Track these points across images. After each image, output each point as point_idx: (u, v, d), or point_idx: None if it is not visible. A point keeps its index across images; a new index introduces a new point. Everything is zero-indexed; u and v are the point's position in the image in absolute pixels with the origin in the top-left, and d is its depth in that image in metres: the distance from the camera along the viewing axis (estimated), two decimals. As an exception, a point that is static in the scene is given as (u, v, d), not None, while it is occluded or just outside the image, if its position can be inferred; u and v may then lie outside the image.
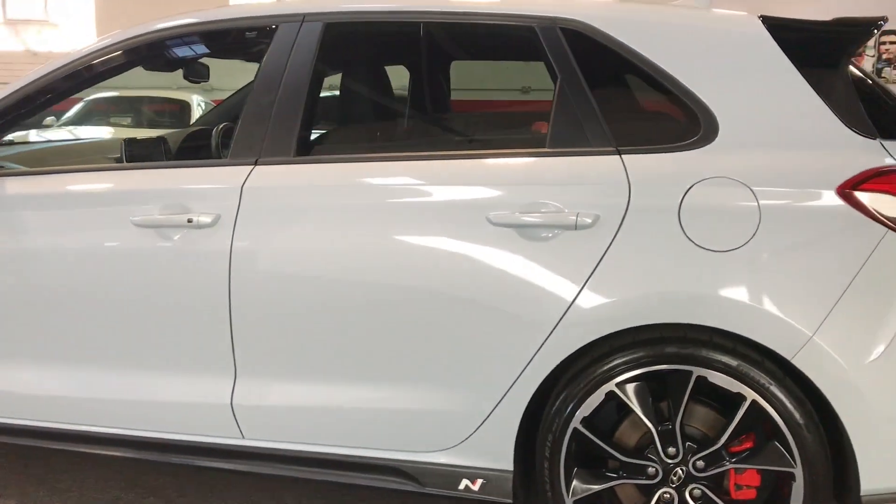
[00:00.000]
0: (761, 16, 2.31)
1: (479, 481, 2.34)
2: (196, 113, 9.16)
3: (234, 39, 2.86)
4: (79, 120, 9.50)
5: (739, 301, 2.10)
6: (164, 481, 2.94)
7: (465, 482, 2.35)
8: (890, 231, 2.06)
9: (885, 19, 2.30)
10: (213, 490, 2.89)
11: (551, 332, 2.19)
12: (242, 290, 2.39)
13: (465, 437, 2.33)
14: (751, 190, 2.12)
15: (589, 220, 2.17)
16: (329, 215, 2.36)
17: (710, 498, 2.19)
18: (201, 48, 2.98)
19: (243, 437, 2.51)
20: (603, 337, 2.20)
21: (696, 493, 2.21)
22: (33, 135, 7.43)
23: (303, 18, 2.53)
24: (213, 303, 2.41)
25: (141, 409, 2.55)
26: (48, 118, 9.36)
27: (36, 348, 2.63)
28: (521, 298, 2.21)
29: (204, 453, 2.56)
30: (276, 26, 2.55)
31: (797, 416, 2.09)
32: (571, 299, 2.17)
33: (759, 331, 2.09)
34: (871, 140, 2.13)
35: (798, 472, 2.11)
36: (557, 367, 2.23)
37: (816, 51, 2.26)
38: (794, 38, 2.26)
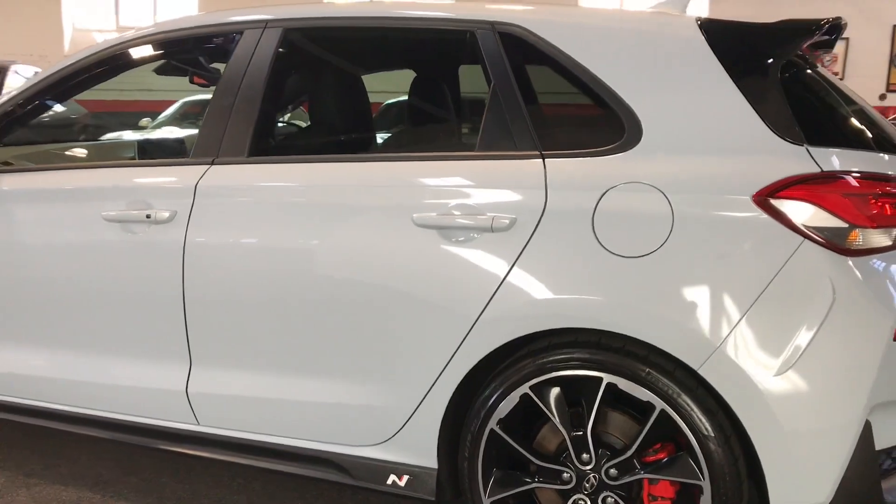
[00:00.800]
0: (699, 18, 2.26)
1: (406, 477, 2.39)
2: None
3: (205, 46, 2.99)
4: (172, 121, 10.00)
5: (646, 308, 2.07)
6: (146, 463, 3.11)
7: (392, 477, 2.40)
8: (806, 241, 1.99)
9: (836, 20, 2.22)
10: (190, 472, 3.04)
11: (468, 333, 2.22)
12: (194, 283, 2.52)
13: (393, 433, 2.38)
14: (665, 196, 2.08)
15: (506, 223, 2.18)
16: (270, 214, 2.46)
17: (629, 504, 2.17)
18: (184, 54, 3.13)
19: (198, 424, 2.64)
20: (522, 340, 2.21)
21: (609, 500, 2.18)
22: (127, 134, 7.87)
23: (265, 25, 2.64)
24: (170, 294, 2.55)
25: (108, 391, 2.72)
26: (143, 119, 9.90)
27: (21, 332, 2.84)
28: (441, 299, 2.25)
29: (164, 437, 2.71)
30: (242, 32, 2.67)
31: (704, 427, 2.04)
32: (486, 301, 2.19)
33: (666, 339, 2.05)
34: (798, 147, 2.06)
35: (706, 485, 2.06)
36: (479, 367, 2.25)
37: (753, 54, 2.20)
38: (730, 41, 2.21)
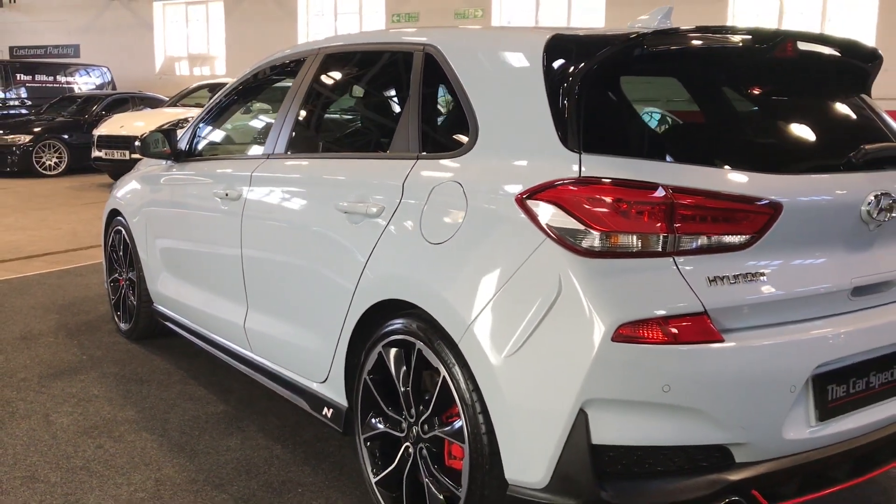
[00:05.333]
0: (556, 34, 2.46)
1: (331, 411, 2.99)
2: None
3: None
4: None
5: (432, 286, 2.43)
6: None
7: (325, 410, 3.02)
8: (547, 239, 2.17)
9: (661, 28, 2.29)
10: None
11: (352, 297, 2.76)
12: (247, 245, 3.44)
13: (327, 374, 3.00)
14: (464, 192, 2.41)
15: (375, 210, 2.68)
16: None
17: (436, 459, 2.51)
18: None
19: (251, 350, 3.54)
20: (385, 304, 2.66)
21: (424, 452, 2.54)
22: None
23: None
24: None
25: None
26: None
27: (182, 271, 4.05)
28: (341, 268, 2.82)
29: (233, 357, 3.66)
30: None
31: (468, 396, 2.32)
32: (360, 273, 2.72)
33: (441, 314, 2.38)
34: (574, 154, 2.22)
35: (466, 448, 2.33)
36: (370, 328, 2.76)
37: (567, 67, 2.33)
38: (557, 55, 2.38)
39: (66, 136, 14.63)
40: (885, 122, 2.77)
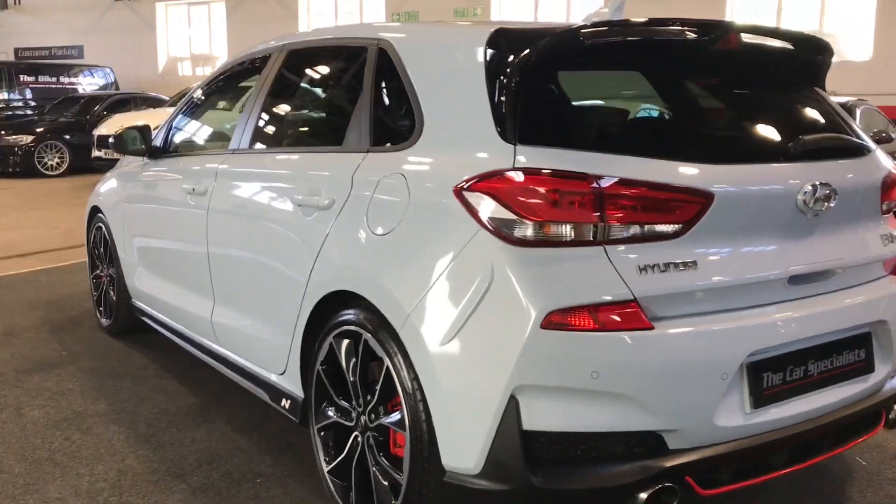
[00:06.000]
0: (501, 28, 2.49)
1: (289, 402, 3.03)
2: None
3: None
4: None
5: (374, 276, 2.47)
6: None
7: (284, 401, 3.06)
8: (482, 229, 2.20)
9: (590, 25, 2.32)
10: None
11: (305, 289, 2.80)
12: (212, 239, 3.48)
13: (285, 366, 3.03)
14: (407, 185, 2.44)
15: (326, 203, 2.72)
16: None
17: (382, 447, 2.55)
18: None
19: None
20: (336, 296, 2.70)
21: (371, 441, 2.58)
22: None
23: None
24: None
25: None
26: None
27: (156, 267, 4.10)
28: (295, 261, 2.86)
29: (203, 350, 3.71)
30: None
31: (409, 385, 2.35)
32: (312, 265, 2.75)
33: (384, 304, 2.41)
34: (509, 145, 2.25)
35: (407, 436, 2.37)
36: (322, 319, 2.80)
37: (507, 61, 2.35)
38: (498, 49, 2.41)
39: (67, 137, 14.76)
40: (835, 115, 2.79)
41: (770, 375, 2.32)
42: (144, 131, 4.24)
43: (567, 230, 2.15)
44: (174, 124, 4.19)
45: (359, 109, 2.85)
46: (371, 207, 2.56)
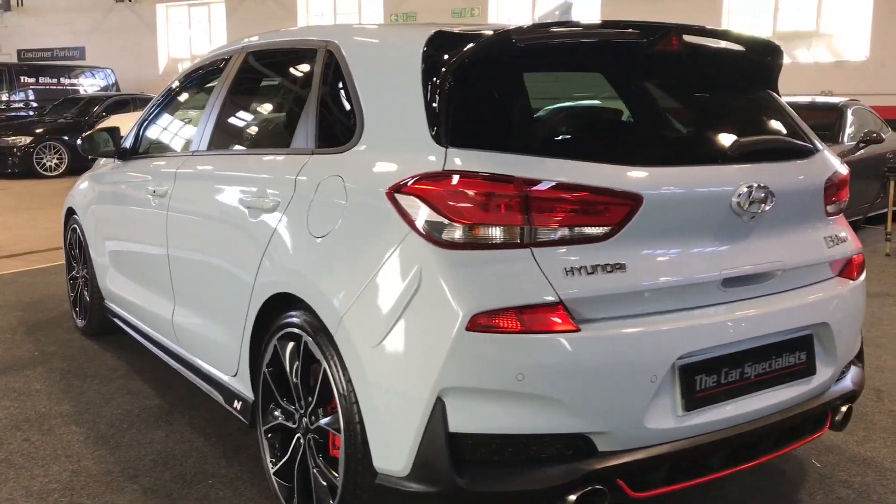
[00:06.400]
0: (439, 31, 2.49)
1: (240, 403, 3.04)
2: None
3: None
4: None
5: (311, 279, 2.47)
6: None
7: (235, 402, 3.07)
8: (412, 231, 2.20)
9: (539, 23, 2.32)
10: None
11: (252, 291, 2.81)
12: (171, 240, 3.50)
13: (237, 367, 3.04)
14: (345, 187, 2.45)
15: (271, 205, 2.73)
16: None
17: (322, 449, 2.55)
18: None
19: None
20: (281, 298, 2.70)
21: (311, 443, 2.58)
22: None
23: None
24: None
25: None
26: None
27: (124, 268, 4.12)
28: (243, 262, 2.87)
29: (165, 351, 3.72)
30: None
31: (343, 387, 2.36)
32: (258, 267, 2.76)
33: (321, 307, 2.42)
34: (441, 148, 2.25)
35: (342, 438, 2.37)
36: (269, 321, 2.81)
37: (442, 64, 2.35)
38: (436, 52, 2.40)
39: (66, 138, 14.79)
40: (785, 117, 2.78)
41: (703, 378, 2.32)
42: (114, 133, 4.26)
43: (494, 232, 2.15)
44: (142, 126, 4.21)
45: (306, 111, 2.86)
46: (311, 210, 2.56)
